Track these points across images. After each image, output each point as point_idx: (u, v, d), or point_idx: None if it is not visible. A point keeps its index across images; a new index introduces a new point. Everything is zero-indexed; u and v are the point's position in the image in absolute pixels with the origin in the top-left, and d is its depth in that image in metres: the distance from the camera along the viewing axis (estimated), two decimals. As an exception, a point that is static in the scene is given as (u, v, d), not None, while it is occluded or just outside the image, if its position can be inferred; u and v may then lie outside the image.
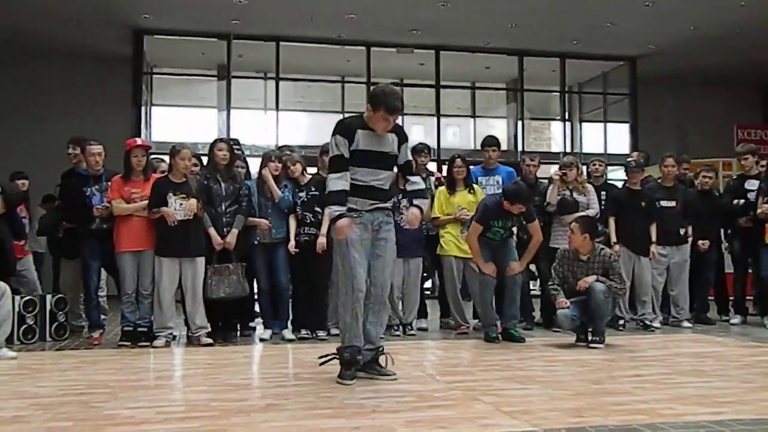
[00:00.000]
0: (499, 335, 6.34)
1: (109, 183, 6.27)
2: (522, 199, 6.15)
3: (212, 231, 6.24)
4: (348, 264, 4.39)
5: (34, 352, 5.97)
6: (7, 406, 3.80)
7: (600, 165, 7.91)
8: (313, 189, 6.57)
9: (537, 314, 7.58)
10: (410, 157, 4.72)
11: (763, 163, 7.78)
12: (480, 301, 6.54)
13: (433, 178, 7.49)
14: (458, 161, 6.96)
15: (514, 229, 6.54)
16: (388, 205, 4.61)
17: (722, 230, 8.14)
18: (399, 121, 4.64)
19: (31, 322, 6.40)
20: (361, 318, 4.45)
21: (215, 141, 6.73)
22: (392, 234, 4.60)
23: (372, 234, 4.50)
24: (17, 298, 6.30)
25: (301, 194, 6.63)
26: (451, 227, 6.87)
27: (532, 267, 7.46)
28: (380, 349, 4.56)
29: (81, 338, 6.63)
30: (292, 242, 6.52)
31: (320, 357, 4.62)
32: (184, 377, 5.04)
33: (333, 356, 4.51)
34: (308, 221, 6.53)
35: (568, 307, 5.88)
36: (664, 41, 12.70)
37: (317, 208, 6.50)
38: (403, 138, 4.61)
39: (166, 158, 7.26)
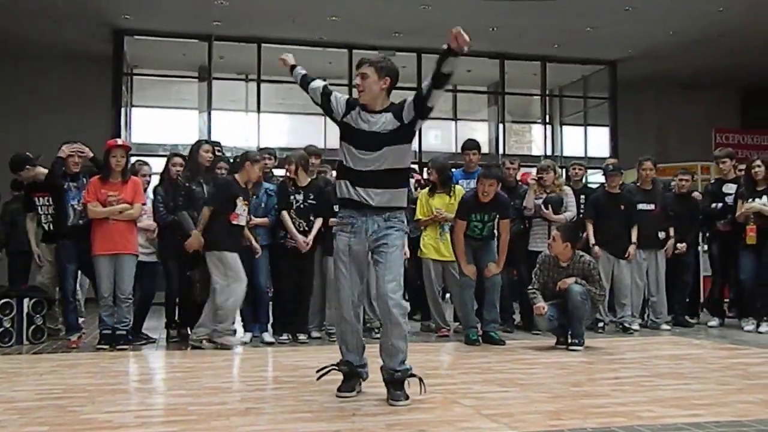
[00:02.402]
0: (480, 338, 6.35)
1: (85, 179, 6.24)
2: (492, 174, 6.30)
3: (195, 233, 6.20)
4: (335, 277, 4.07)
5: (11, 355, 5.90)
6: (-17, 410, 3.76)
7: (579, 169, 7.97)
8: (312, 197, 6.49)
9: (517, 317, 7.61)
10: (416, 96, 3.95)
11: (741, 167, 7.86)
12: (459, 304, 6.57)
13: (413, 180, 7.53)
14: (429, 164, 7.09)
15: (496, 232, 6.55)
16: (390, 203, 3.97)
17: (701, 234, 8.23)
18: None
19: (8, 325, 6.32)
20: (351, 335, 4.05)
21: (200, 142, 6.69)
22: (395, 238, 3.96)
23: (369, 243, 3.98)
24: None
25: (298, 197, 6.50)
26: (430, 230, 6.88)
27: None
28: (396, 372, 3.92)
29: (58, 341, 6.55)
30: (300, 237, 6.35)
31: (318, 371, 4.19)
32: (162, 381, 5.01)
33: (332, 368, 4.14)
34: (300, 228, 6.44)
35: (545, 314, 5.93)
36: (643, 45, 12.80)
37: (312, 218, 6.46)
38: (398, 112, 3.98)
39: (149, 160, 7.27)
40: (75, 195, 6.25)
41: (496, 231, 6.49)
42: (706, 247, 8.34)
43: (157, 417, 3.69)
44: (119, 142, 6.52)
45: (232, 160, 7.01)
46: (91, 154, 6.38)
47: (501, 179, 6.58)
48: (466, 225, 6.32)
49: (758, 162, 7.45)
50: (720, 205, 7.71)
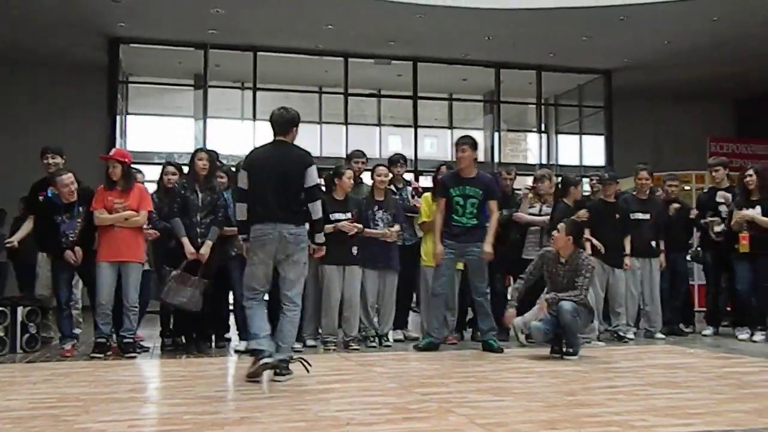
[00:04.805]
0: (431, 344, 6.46)
1: (81, 209, 6.20)
2: (465, 140, 6.50)
3: (185, 240, 6.14)
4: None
5: (4, 364, 5.87)
6: (-24, 419, 3.74)
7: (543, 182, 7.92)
8: None
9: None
10: None
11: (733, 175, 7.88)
12: (425, 308, 6.78)
13: (410, 188, 7.54)
14: (443, 168, 7.08)
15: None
16: None
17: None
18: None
19: (2, 334, 6.29)
20: None
21: (196, 151, 6.70)
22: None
23: None
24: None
25: None
26: (429, 237, 6.88)
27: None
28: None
29: (52, 350, 6.53)
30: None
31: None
32: (157, 389, 5.00)
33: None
34: None
35: (518, 326, 6.08)
36: (638, 55, 12.87)
37: None
38: None
39: (145, 168, 7.28)
40: (69, 225, 6.22)
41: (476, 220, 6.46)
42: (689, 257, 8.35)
43: (150, 426, 3.68)
44: (112, 152, 6.49)
45: (234, 169, 6.96)
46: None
47: (476, 145, 6.56)
48: (448, 204, 6.41)
49: (750, 171, 7.47)
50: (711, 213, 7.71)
